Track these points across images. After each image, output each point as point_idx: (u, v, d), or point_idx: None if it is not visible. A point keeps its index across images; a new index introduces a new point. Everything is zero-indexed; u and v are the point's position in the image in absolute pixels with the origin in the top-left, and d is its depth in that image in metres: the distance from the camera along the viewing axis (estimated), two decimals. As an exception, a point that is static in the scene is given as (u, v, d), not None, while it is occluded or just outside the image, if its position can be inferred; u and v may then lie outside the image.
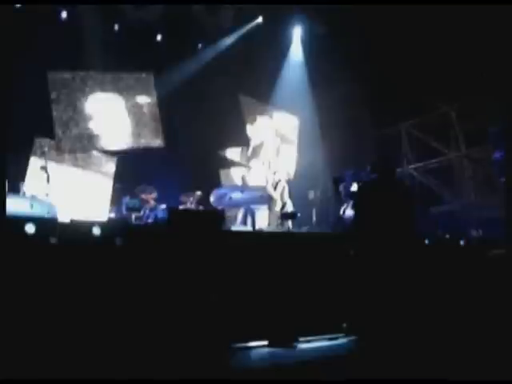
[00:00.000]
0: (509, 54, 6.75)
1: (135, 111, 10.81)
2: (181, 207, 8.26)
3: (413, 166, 11.78)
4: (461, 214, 10.58)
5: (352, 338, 5.26)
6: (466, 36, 9.18)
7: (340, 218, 7.30)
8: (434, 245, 6.41)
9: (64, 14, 9.57)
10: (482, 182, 10.55)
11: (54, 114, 9.78)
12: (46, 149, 8.06)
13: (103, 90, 10.46)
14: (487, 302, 5.60)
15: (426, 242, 6.35)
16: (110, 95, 10.56)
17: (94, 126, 10.21)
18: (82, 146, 10.00)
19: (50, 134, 9.61)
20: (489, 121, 9.50)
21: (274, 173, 9.37)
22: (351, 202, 6.63)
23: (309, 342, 5.15)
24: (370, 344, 4.67)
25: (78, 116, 10.05)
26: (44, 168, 7.09)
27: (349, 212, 7.01)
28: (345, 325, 5.42)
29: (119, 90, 10.65)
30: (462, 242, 6.71)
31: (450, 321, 5.27)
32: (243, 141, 12.33)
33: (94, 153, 10.17)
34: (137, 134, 10.69)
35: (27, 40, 8.53)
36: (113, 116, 10.49)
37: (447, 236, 7.15)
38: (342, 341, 5.26)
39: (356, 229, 5.39)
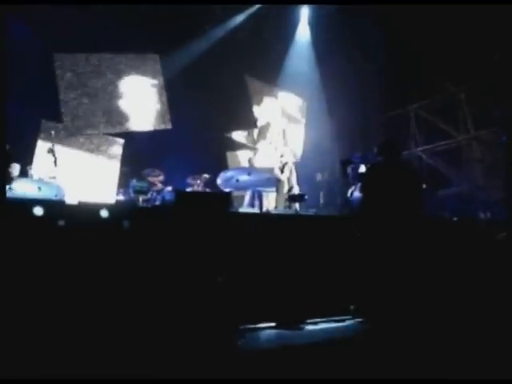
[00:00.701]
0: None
1: (143, 94, 10.79)
2: (188, 189, 8.27)
3: (421, 148, 11.70)
4: (469, 196, 10.53)
5: (359, 320, 5.28)
6: (475, 17, 9.06)
7: (348, 200, 7.29)
8: (442, 226, 6.40)
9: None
10: (490, 164, 10.47)
11: (62, 96, 9.77)
12: (53, 132, 8.07)
13: (111, 71, 10.43)
14: (494, 287, 5.58)
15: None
16: (118, 77, 10.53)
17: (101, 108, 10.19)
18: (89, 128, 9.99)
19: (57, 116, 9.59)
20: (494, 104, 9.44)
21: (281, 155, 9.35)
22: (359, 184, 6.61)
23: (316, 323, 5.17)
24: (377, 326, 4.69)
25: (85, 98, 10.03)
26: (51, 151, 7.09)
27: (356, 194, 6.99)
28: (352, 307, 5.43)
29: (126, 72, 10.63)
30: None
31: (455, 305, 5.27)
32: (250, 123, 12.30)
33: (102, 135, 10.16)
34: (145, 117, 10.68)
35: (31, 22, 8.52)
36: (121, 98, 10.48)
37: (455, 219, 7.12)
38: (349, 323, 5.28)
39: (363, 211, 5.38)
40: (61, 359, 3.47)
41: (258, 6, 11.29)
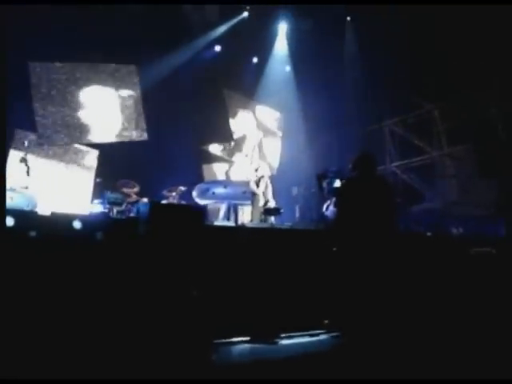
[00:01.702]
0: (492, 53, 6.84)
1: (119, 104, 10.73)
2: (163, 202, 8.20)
3: (395, 164, 11.85)
4: (442, 211, 10.66)
5: (333, 334, 5.27)
6: (451, 35, 9.25)
7: (323, 215, 7.31)
8: (415, 241, 6.46)
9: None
10: (463, 180, 10.64)
11: (36, 105, 9.64)
12: (27, 141, 7.95)
13: (87, 81, 10.34)
14: (468, 299, 5.65)
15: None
16: (94, 87, 10.44)
17: (76, 118, 10.09)
18: (63, 138, 9.87)
19: (30, 126, 9.45)
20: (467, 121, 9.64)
21: (256, 169, 9.37)
22: (334, 199, 6.64)
23: (290, 337, 5.14)
24: (352, 341, 4.69)
25: (59, 108, 9.91)
26: (24, 160, 6.99)
27: (331, 208, 7.02)
28: (327, 321, 5.42)
29: (103, 83, 10.55)
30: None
31: (430, 317, 5.30)
32: (227, 136, 12.32)
33: (76, 146, 10.04)
34: (120, 128, 10.60)
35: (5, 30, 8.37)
36: (96, 109, 10.39)
37: (428, 234, 7.20)
38: (323, 337, 5.26)
39: (338, 225, 5.40)
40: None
41: (236, 20, 11.36)
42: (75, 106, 10.13)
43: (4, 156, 4.19)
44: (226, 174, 9.73)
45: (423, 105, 11.11)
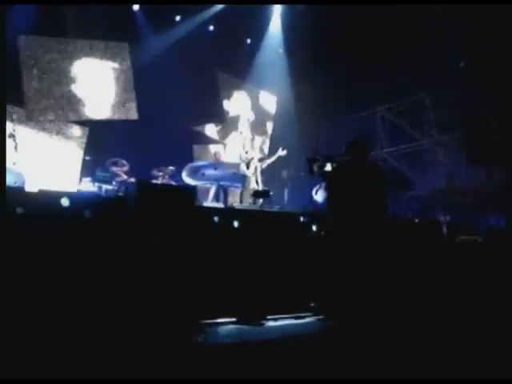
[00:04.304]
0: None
1: (110, 82, 10.60)
2: (153, 181, 8.17)
3: (386, 150, 11.88)
4: (430, 199, 10.73)
5: (319, 317, 5.31)
6: (444, 22, 9.23)
7: (312, 198, 7.32)
8: (403, 227, 6.51)
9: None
10: (452, 168, 10.69)
11: (24, 79, 9.50)
12: (15, 115, 7.85)
13: (77, 57, 10.18)
14: (452, 285, 5.72)
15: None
16: (85, 63, 10.30)
17: (66, 94, 9.95)
18: (52, 113, 9.74)
19: (19, 100, 9.30)
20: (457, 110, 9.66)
21: (247, 152, 9.35)
22: (324, 183, 6.64)
23: (276, 320, 5.18)
24: (337, 324, 4.73)
25: (48, 82, 9.77)
26: (12, 136, 6.90)
27: (321, 192, 7.03)
28: (312, 304, 5.46)
29: (93, 59, 10.41)
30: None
31: (415, 303, 5.36)
32: (219, 117, 12.26)
33: (66, 122, 9.93)
34: (111, 105, 10.50)
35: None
36: (87, 85, 10.25)
37: (416, 220, 7.25)
38: (309, 320, 5.31)
39: (327, 209, 5.41)
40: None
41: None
42: (66, 81, 9.99)
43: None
44: (216, 155, 9.67)
45: (415, 92, 11.10)
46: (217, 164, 8.37)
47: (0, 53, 4.29)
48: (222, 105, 12.32)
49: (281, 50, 12.58)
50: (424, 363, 3.71)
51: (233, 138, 12.34)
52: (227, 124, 12.39)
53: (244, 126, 12.60)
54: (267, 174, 9.26)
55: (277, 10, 12.22)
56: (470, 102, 9.43)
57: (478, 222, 8.29)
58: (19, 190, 4.86)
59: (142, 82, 10.60)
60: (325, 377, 3.34)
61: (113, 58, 10.65)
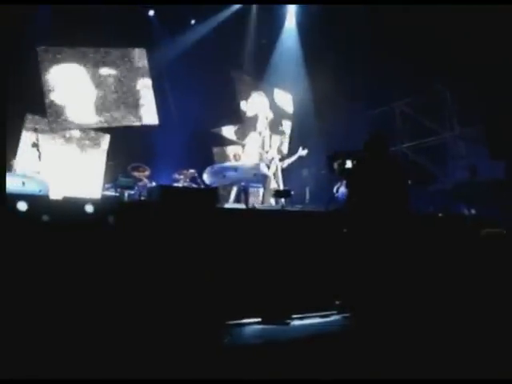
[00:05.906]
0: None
1: (130, 89, 10.69)
2: (174, 185, 8.24)
3: (406, 145, 11.77)
4: (453, 192, 10.59)
5: (344, 315, 5.30)
6: (465, 18, 9.10)
7: (334, 196, 7.31)
8: (428, 222, 6.45)
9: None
10: (474, 161, 10.54)
11: (46, 89, 9.64)
12: (38, 126, 7.98)
13: (96, 65, 10.29)
14: (479, 283, 5.64)
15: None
16: (104, 72, 10.40)
17: (86, 102, 10.07)
18: (75, 122, 9.88)
19: (42, 110, 9.45)
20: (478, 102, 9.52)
21: (267, 152, 9.36)
22: (345, 180, 6.62)
23: (302, 318, 5.18)
24: (363, 321, 4.71)
25: (70, 92, 9.90)
26: (36, 145, 7.02)
27: (342, 190, 7.01)
28: (338, 302, 5.45)
29: (112, 66, 10.51)
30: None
31: (441, 301, 5.31)
32: (237, 118, 12.27)
33: (88, 130, 10.06)
34: (131, 112, 10.59)
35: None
36: (106, 93, 10.36)
37: (440, 215, 7.18)
38: (334, 318, 5.30)
39: (349, 207, 5.39)
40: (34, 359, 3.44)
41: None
42: (85, 90, 10.11)
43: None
44: (236, 156, 9.70)
45: (435, 86, 10.97)
46: (237, 165, 8.39)
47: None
48: (239, 106, 12.33)
49: (297, 48, 12.52)
50: (454, 362, 3.67)
51: (251, 139, 12.34)
52: (245, 125, 12.40)
53: (263, 126, 12.59)
54: (287, 173, 9.25)
55: (292, 9, 12.20)
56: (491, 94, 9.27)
57: (501, 216, 8.16)
58: (44, 198, 4.96)
59: (160, 87, 10.68)
60: (353, 377, 3.33)
61: (132, 65, 10.75)
